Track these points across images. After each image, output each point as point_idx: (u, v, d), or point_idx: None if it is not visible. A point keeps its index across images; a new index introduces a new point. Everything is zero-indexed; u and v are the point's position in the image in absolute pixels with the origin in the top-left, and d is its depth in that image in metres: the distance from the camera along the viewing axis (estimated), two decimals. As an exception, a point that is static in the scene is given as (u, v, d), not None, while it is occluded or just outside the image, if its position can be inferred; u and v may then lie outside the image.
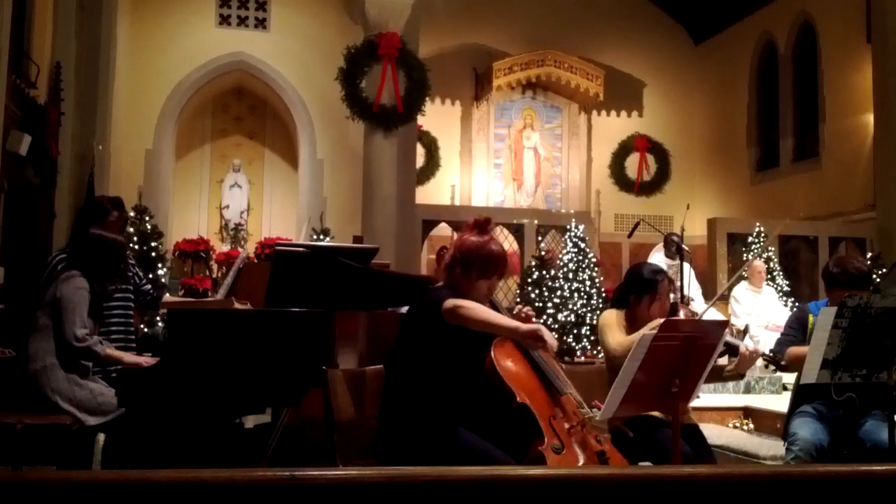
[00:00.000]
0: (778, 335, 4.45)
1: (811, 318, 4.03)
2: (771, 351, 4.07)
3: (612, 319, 3.90)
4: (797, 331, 4.09)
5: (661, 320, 3.48)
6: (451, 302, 2.90)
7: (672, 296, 4.07)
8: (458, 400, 2.99)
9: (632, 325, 3.87)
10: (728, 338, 3.53)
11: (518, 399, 2.95)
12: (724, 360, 3.69)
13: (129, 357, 4.18)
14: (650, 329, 3.49)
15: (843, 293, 3.91)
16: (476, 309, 2.88)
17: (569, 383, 3.21)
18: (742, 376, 3.96)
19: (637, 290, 3.87)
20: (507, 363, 3.10)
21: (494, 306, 3.29)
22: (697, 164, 15.40)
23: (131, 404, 3.92)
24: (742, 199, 14.22)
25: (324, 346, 4.07)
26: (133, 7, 12.10)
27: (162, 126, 12.30)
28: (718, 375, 3.69)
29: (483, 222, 3.15)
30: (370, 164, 10.57)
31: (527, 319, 3.23)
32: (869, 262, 8.60)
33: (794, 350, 3.92)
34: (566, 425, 3.01)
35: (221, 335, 3.90)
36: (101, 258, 4.22)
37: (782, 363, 3.90)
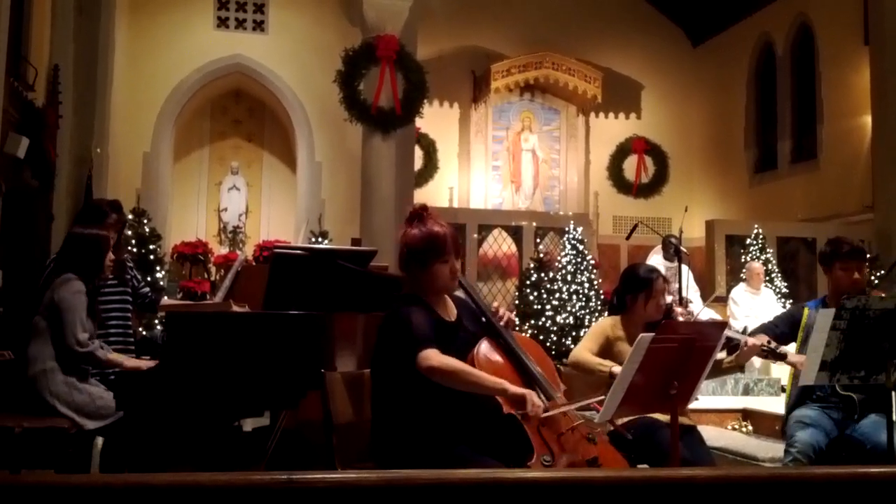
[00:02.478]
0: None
1: (806, 311, 4.05)
2: (768, 342, 4.07)
3: (596, 329, 4.00)
4: (785, 324, 4.11)
5: (615, 370, 3.52)
6: (424, 360, 2.81)
7: (669, 297, 4.09)
8: (443, 410, 2.90)
9: (629, 328, 3.90)
10: (729, 332, 3.55)
11: (504, 410, 2.86)
12: (722, 354, 3.72)
13: (130, 361, 4.18)
14: (609, 368, 3.62)
15: (844, 265, 3.97)
16: (456, 373, 2.82)
17: (558, 384, 3.14)
18: (742, 369, 4.00)
19: (632, 289, 3.92)
20: (490, 369, 2.96)
21: (465, 289, 3.21)
22: (696, 165, 15.41)
23: (130, 408, 3.91)
24: (740, 201, 14.23)
25: (322, 348, 4.07)
26: (131, 10, 12.11)
27: (160, 128, 12.30)
28: (717, 369, 3.72)
29: (418, 211, 3.08)
30: (368, 167, 10.57)
31: (509, 322, 3.20)
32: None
33: (794, 357, 3.95)
34: (556, 432, 2.93)
35: (219, 338, 3.89)
36: (84, 255, 4.24)
37: (779, 352, 3.92)
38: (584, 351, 3.87)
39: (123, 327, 4.81)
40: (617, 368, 3.64)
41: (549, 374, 3.16)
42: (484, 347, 3.03)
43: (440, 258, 2.99)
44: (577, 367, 3.91)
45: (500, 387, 2.82)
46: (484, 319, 3.16)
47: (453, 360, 2.85)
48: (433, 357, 2.82)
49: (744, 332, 8.21)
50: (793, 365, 3.95)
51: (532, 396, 2.81)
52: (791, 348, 4.09)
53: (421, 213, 3.06)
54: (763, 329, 4.10)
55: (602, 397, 3.05)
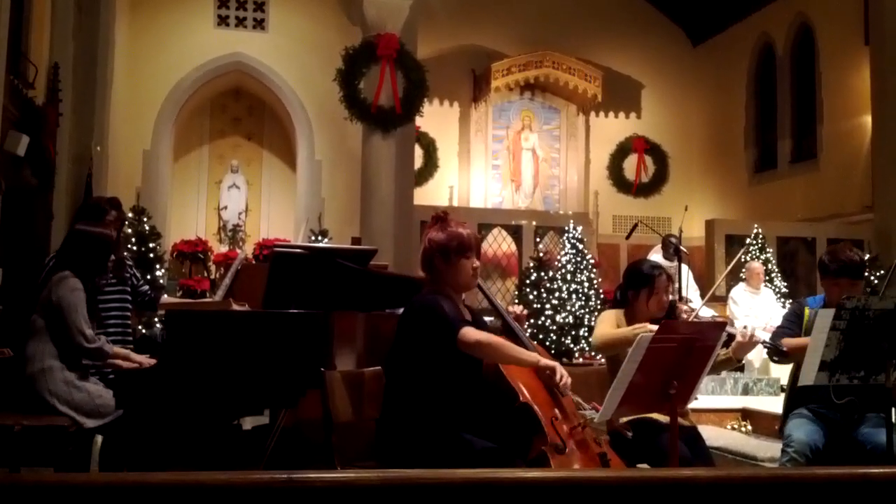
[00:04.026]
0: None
1: (807, 311, 4.05)
2: (770, 341, 4.07)
3: (606, 317, 3.97)
4: (794, 324, 4.10)
5: (649, 326, 3.50)
6: (465, 335, 2.96)
7: (671, 296, 4.08)
8: (458, 401, 3.01)
9: (631, 323, 3.89)
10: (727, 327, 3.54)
11: (521, 399, 2.97)
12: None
13: (134, 356, 4.17)
14: (633, 331, 3.57)
15: (834, 282, 3.96)
16: (495, 345, 3.00)
17: None
18: (739, 362, 3.96)
19: (635, 285, 3.91)
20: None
21: (483, 290, 3.37)
22: (695, 165, 15.41)
23: (129, 406, 3.91)
24: (740, 201, 14.23)
25: (322, 347, 4.06)
26: (131, 8, 12.10)
27: (160, 127, 12.30)
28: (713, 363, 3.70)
29: (441, 216, 3.23)
30: (368, 166, 10.57)
31: (520, 319, 3.33)
32: (867, 258, 8.55)
33: (791, 340, 3.94)
34: (567, 426, 3.02)
35: (219, 336, 3.89)
36: (88, 253, 4.19)
37: (783, 349, 3.91)
38: (604, 328, 3.82)
39: (122, 326, 4.80)
40: (653, 326, 3.47)
41: None
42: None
43: (464, 254, 3.13)
44: (607, 347, 3.80)
45: (533, 358, 3.03)
46: (500, 320, 3.32)
47: (492, 336, 3.05)
48: (475, 332, 3.00)
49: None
50: (793, 350, 3.91)
51: (561, 368, 3.00)
52: None
53: (443, 217, 3.21)
54: (780, 335, 4.07)
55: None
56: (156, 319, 8.62)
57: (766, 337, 4.16)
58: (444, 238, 3.13)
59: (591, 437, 3.09)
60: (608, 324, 3.88)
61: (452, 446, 2.90)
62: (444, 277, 3.14)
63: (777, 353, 3.96)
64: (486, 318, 3.43)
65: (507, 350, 3.02)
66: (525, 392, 2.99)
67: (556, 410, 3.04)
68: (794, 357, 3.98)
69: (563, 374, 2.99)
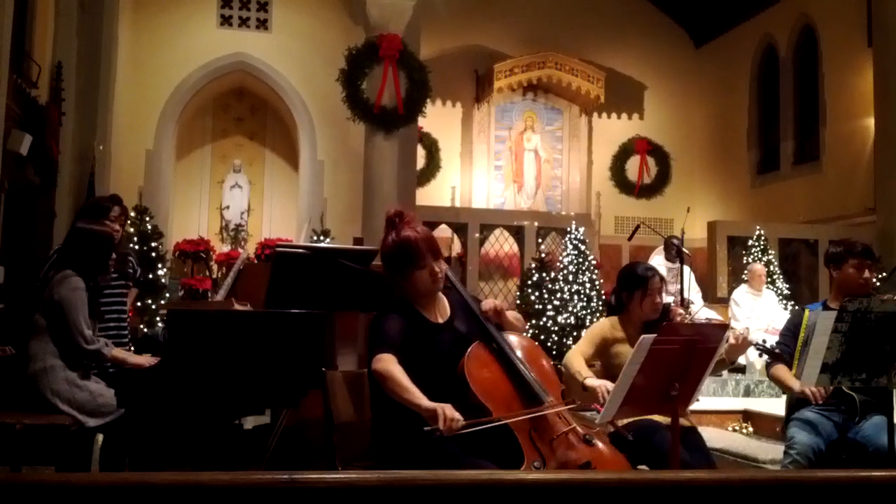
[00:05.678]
0: (777, 338, 4.46)
1: (807, 312, 4.05)
2: (763, 341, 4.08)
3: (594, 330, 4.00)
4: (788, 338, 4.11)
5: (606, 388, 3.48)
6: (374, 362, 2.84)
7: (670, 298, 4.08)
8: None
9: (628, 328, 3.90)
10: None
11: (494, 416, 2.80)
12: None
13: (133, 358, 4.17)
14: (587, 382, 3.65)
15: (859, 263, 3.97)
16: (389, 380, 2.79)
17: (553, 386, 3.07)
18: (732, 364, 3.99)
19: (629, 286, 3.93)
20: (480, 376, 2.93)
21: (450, 280, 3.19)
22: (698, 166, 15.41)
23: (131, 405, 3.91)
24: (742, 203, 14.22)
25: (323, 347, 4.06)
26: (134, 7, 12.11)
27: (163, 126, 12.31)
28: None
29: (393, 217, 3.09)
30: (371, 166, 10.57)
31: (495, 313, 3.16)
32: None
33: (778, 372, 3.97)
34: (549, 436, 2.87)
35: (221, 336, 3.89)
36: (90, 252, 4.19)
37: (776, 351, 3.93)
38: (575, 354, 3.87)
39: (118, 321, 4.83)
40: (590, 381, 3.67)
41: (546, 375, 3.11)
42: (474, 352, 3.00)
43: (417, 265, 3.00)
44: (564, 369, 3.92)
45: (416, 402, 2.73)
46: (475, 320, 3.13)
47: (394, 369, 2.81)
48: (379, 361, 2.84)
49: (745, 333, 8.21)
50: (777, 382, 3.97)
51: (445, 410, 2.65)
52: None
53: (394, 220, 3.07)
54: (782, 357, 4.06)
55: (574, 405, 3.03)
56: (157, 319, 8.65)
57: (760, 338, 4.17)
58: (394, 252, 3.01)
59: (579, 438, 2.91)
60: (588, 344, 3.92)
61: (431, 452, 2.79)
62: (404, 289, 3.06)
63: (769, 354, 3.97)
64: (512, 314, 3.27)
65: (398, 390, 2.76)
66: (498, 409, 2.81)
67: (535, 421, 2.86)
68: (785, 360, 4.01)
69: (446, 417, 2.63)
